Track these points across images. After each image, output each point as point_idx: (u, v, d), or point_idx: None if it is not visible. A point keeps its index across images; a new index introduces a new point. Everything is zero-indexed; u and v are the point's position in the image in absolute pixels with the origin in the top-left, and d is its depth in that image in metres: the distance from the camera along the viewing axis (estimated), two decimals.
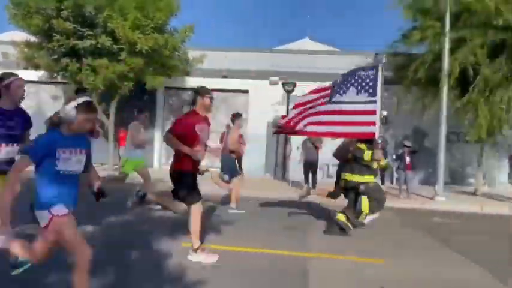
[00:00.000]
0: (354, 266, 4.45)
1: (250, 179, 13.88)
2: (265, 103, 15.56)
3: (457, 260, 4.94)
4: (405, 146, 12.06)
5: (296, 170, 13.75)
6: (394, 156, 12.72)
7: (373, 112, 5.38)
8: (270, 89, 15.48)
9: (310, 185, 11.44)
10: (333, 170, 15.46)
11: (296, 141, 14.39)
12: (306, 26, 56.61)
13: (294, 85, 13.84)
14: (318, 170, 12.07)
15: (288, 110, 13.67)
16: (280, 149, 15.14)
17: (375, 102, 5.38)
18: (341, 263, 4.60)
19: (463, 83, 11.09)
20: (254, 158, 15.67)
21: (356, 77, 5.59)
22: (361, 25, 55.34)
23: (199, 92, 4.50)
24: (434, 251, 5.37)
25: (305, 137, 11.55)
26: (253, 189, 10.43)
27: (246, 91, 15.99)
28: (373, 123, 5.34)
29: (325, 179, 15.11)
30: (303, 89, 14.86)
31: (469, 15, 10.76)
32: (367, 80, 5.48)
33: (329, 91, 5.84)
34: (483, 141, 11.82)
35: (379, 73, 5.49)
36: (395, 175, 13.10)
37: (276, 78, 15.30)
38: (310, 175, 11.58)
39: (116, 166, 13.26)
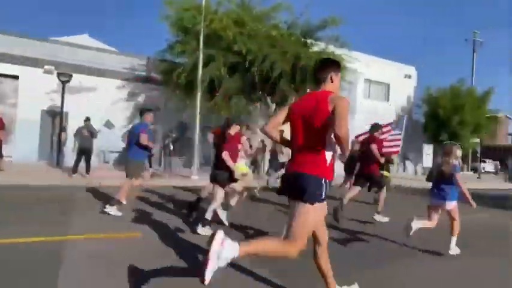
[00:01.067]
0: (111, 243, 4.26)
1: (22, 164, 11.54)
2: (38, 91, 13.14)
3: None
4: (169, 136, 12.59)
5: (71, 156, 12.24)
6: (163, 145, 13.11)
7: (399, 139, 9.15)
8: (44, 78, 13.15)
9: (86, 171, 10.34)
10: (108, 156, 14.61)
11: (71, 128, 12.81)
12: (87, 23, 50.92)
13: (70, 76, 12.18)
14: (92, 157, 11.08)
15: (63, 99, 11.96)
16: (55, 136, 13.11)
17: (399, 134, 9.50)
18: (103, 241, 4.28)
19: (211, 90, 12.35)
20: (26, 144, 13.11)
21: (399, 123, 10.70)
22: (140, 30, 54.03)
23: None
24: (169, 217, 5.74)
25: (81, 125, 10.36)
26: (23, 176, 8.68)
27: (16, 77, 13.08)
28: (398, 146, 9.06)
29: (102, 164, 14.11)
30: (80, 80, 13.40)
31: (217, 39, 12.02)
32: (401, 124, 10.86)
33: (389, 128, 9.00)
34: None
35: (405, 120, 11.78)
36: (163, 160, 13.42)
37: (51, 68, 13.11)
38: (84, 161, 10.42)
39: None
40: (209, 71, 11.66)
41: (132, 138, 5.64)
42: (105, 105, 13.99)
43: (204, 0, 11.38)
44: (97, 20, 53.31)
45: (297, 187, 2.26)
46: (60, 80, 12.07)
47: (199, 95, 11.77)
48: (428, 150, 20.77)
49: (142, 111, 5.99)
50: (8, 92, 13.10)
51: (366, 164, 6.11)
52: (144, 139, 5.47)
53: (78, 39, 17.13)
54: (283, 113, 2.49)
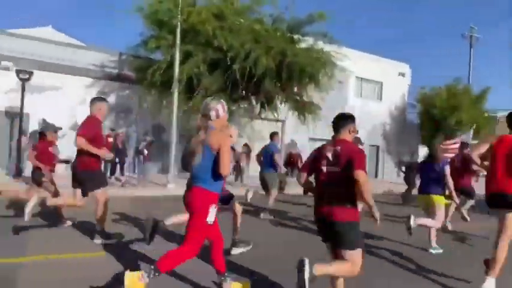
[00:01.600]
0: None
1: None
2: None
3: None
4: (144, 140, 12.32)
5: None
6: (136, 150, 12.82)
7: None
8: (1, 75, 12.68)
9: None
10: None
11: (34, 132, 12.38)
12: (51, 14, 49.24)
13: (31, 74, 11.76)
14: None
15: (23, 98, 11.53)
16: (14, 141, 12.63)
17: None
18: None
19: (190, 89, 12.13)
20: None
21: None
22: (112, 23, 53.08)
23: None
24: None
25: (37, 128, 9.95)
26: None
27: None
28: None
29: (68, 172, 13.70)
30: (42, 78, 12.97)
31: (195, 34, 11.82)
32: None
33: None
34: None
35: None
36: (136, 166, 13.11)
37: (9, 64, 12.65)
38: None
39: None
40: (187, 68, 11.45)
41: (266, 156, 7.53)
42: (71, 105, 13.58)
43: None
44: (62, 11, 51.98)
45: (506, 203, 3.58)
46: (19, 77, 11.64)
47: (176, 94, 11.55)
48: (424, 151, 21.07)
49: (272, 134, 7.80)
50: None
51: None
52: (278, 158, 7.50)
53: (41, 32, 16.63)
54: (484, 147, 3.83)
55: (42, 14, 49.30)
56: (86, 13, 56.95)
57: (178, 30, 11.17)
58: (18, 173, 11.24)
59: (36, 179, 5.84)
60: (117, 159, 11.58)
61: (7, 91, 12.74)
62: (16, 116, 12.28)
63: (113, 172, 11.85)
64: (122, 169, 12.05)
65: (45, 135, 5.99)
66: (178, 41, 11.17)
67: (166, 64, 11.73)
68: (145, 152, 12.30)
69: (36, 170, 5.82)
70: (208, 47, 11.76)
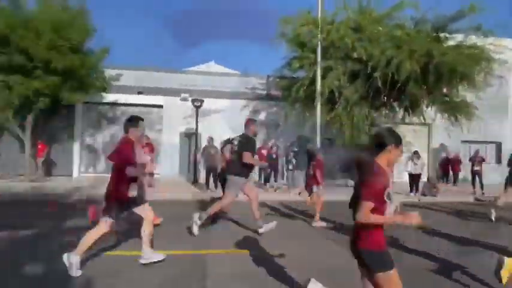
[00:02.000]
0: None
1: (166, 181, 13.86)
2: (177, 116, 15.72)
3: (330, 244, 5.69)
4: (292, 150, 13.20)
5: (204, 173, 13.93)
6: (285, 159, 13.83)
7: None
8: (181, 104, 15.64)
9: (215, 187, 11.64)
10: None
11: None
12: (213, 51, 58.60)
13: (202, 101, 14.15)
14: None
15: (197, 122, 13.97)
16: (191, 156, 15.31)
17: None
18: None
19: (331, 101, 12.50)
20: (169, 163, 15.77)
21: None
22: (259, 51, 58.86)
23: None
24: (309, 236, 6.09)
25: (206, 144, 11.92)
26: (164, 192, 10.52)
27: (160, 106, 15.96)
28: None
29: None
30: (210, 104, 15.40)
31: (334, 50, 12.19)
32: None
33: None
34: (347, 145, 13.31)
35: None
36: (285, 173, 14.11)
37: (186, 95, 15.53)
38: (212, 179, 11.78)
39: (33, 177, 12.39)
40: (328, 82, 11.88)
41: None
42: (232, 125, 15.64)
43: (319, 13, 11.79)
44: (220, 47, 61.29)
45: None
46: (194, 105, 14.18)
47: (318, 107, 12.07)
48: None
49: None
50: (155, 119, 16.06)
51: None
52: None
53: (206, 66, 19.79)
54: None
55: (206, 52, 58.91)
56: (239, 45, 64.95)
57: (318, 49, 11.75)
58: (195, 181, 13.61)
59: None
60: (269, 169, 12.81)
61: (185, 116, 15.61)
62: (192, 136, 14.91)
63: (267, 179, 13.09)
64: (275, 177, 13.22)
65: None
66: (319, 58, 11.75)
67: (308, 80, 12.44)
68: (294, 161, 13.15)
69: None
70: (348, 60, 11.96)
